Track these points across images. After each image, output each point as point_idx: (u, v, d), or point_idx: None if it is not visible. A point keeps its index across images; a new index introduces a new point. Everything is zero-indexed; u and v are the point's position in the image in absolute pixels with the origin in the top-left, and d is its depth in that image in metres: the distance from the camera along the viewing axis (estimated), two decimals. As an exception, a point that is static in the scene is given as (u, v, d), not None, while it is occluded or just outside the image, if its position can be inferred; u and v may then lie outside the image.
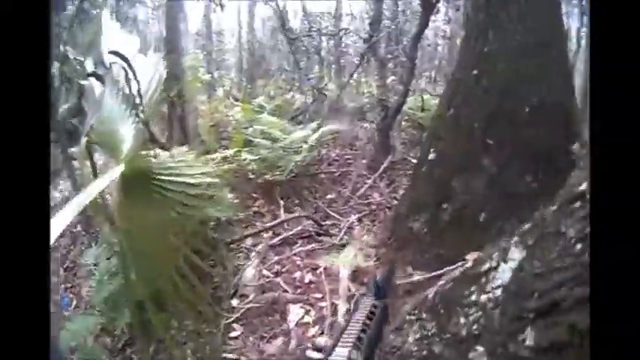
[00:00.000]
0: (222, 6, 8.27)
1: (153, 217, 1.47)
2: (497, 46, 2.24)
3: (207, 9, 9.38)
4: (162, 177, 1.54)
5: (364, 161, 3.80)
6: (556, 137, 2.15)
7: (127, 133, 1.51)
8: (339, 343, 0.58)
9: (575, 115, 2.29)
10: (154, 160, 1.76)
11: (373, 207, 3.20)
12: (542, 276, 0.79)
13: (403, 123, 4.39)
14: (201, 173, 1.90)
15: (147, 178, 1.48)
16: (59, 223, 0.88)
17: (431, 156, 2.39)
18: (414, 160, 3.66)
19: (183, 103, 4.76)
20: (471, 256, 1.21)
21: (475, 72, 2.27)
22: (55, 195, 4.71)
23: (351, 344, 0.57)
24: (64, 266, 3.32)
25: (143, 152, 1.71)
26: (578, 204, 0.82)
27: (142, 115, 1.53)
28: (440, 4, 5.60)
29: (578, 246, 0.75)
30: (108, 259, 1.63)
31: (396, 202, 3.13)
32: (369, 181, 3.41)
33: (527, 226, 1.01)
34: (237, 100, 5.88)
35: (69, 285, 3.15)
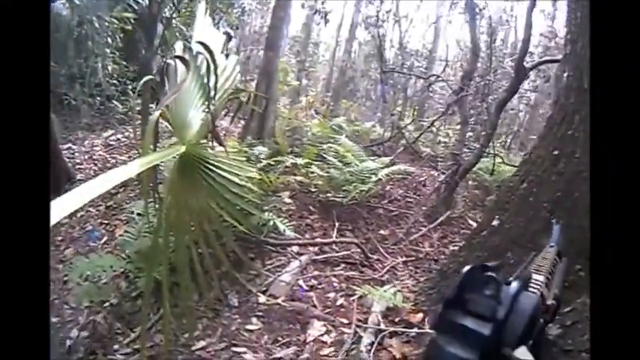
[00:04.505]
0: (326, 20, 8.72)
1: (195, 201, 1.57)
2: (581, 131, 2.20)
3: (309, 18, 9.85)
4: (214, 169, 1.64)
5: (424, 208, 3.88)
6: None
7: (195, 119, 1.63)
8: (534, 269, 0.57)
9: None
10: (210, 151, 1.86)
11: (421, 255, 3.26)
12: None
13: (470, 182, 4.41)
14: (247, 177, 1.95)
15: (201, 165, 1.59)
16: (116, 176, 0.99)
17: (494, 222, 2.44)
18: (471, 222, 3.69)
19: (267, 101, 5.05)
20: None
21: (555, 153, 2.29)
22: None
23: (545, 274, 0.56)
24: (107, 205, 3.63)
25: (204, 141, 1.82)
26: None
27: (212, 107, 1.64)
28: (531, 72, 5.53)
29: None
30: (153, 216, 1.71)
31: (443, 256, 3.17)
32: (424, 229, 3.49)
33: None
34: (317, 113, 6.15)
35: (106, 222, 3.46)
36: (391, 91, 6.30)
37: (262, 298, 2.43)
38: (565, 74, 2.44)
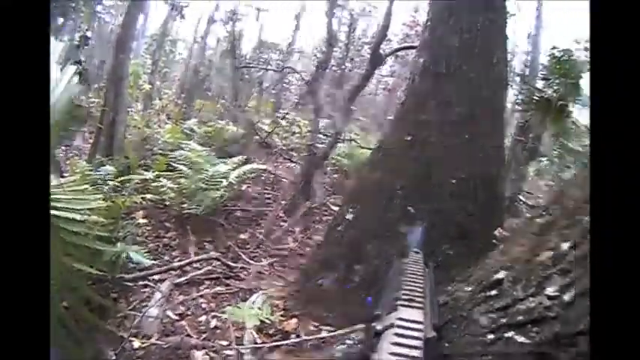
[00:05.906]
0: (182, 16, 8.09)
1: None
2: (437, 116, 2.25)
3: (169, 14, 9.12)
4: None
5: (283, 202, 3.80)
6: (479, 212, 2.18)
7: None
8: (406, 299, 0.49)
9: (502, 191, 2.35)
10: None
11: (285, 253, 3.17)
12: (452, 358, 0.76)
13: (328, 168, 4.49)
14: (89, 209, 1.78)
15: None
16: None
17: (348, 216, 2.37)
18: (333, 207, 3.74)
19: (115, 112, 4.50)
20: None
21: (408, 139, 2.29)
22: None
23: (420, 306, 0.48)
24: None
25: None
26: (493, 292, 0.80)
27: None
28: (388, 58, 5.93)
29: (490, 336, 0.72)
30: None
31: (309, 249, 3.14)
32: (285, 225, 3.40)
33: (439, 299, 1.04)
34: (169, 118, 5.68)
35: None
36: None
37: (137, 343, 2.17)
38: (422, 60, 2.44)
